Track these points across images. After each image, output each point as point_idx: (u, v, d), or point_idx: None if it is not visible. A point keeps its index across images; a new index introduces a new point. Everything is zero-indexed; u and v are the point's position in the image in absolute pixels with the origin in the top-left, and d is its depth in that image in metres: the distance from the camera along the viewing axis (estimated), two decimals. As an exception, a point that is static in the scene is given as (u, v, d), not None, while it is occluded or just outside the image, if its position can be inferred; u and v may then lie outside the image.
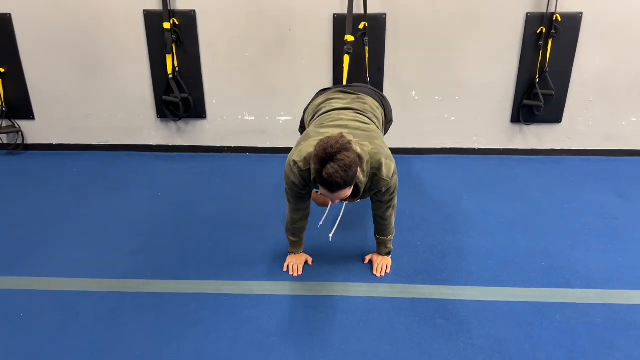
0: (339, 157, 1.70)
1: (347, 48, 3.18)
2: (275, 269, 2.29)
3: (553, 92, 3.36)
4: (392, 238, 2.29)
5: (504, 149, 3.60)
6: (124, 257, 2.39)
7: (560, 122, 3.50)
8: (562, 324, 1.95)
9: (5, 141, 3.67)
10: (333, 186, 1.74)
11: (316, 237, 2.49)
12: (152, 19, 3.32)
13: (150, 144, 3.70)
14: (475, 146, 3.60)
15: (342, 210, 2.39)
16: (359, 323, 1.96)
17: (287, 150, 3.53)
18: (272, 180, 3.21)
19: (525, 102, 3.41)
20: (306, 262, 2.33)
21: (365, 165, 1.92)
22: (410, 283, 2.20)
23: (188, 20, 3.33)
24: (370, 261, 2.32)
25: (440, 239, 2.53)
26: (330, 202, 2.38)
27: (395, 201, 2.15)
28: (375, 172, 1.96)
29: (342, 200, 1.94)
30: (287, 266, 2.29)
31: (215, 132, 3.65)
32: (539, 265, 2.33)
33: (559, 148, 3.59)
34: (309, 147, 1.95)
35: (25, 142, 3.70)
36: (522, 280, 2.22)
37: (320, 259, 2.36)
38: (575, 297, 2.11)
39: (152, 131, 3.66)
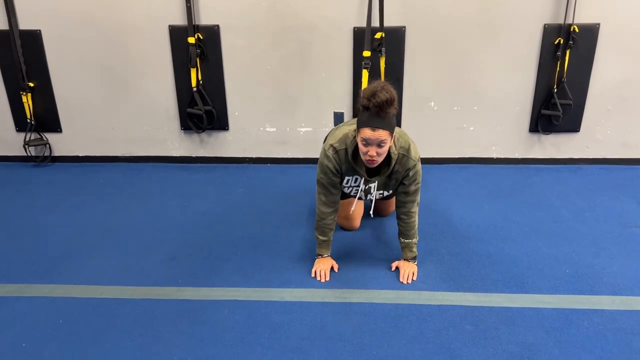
0: (385, 87, 1.94)
1: (365, 63, 3.28)
2: (303, 276, 2.34)
3: (571, 102, 3.40)
4: (417, 242, 2.35)
5: (522, 158, 3.64)
6: (156, 265, 2.45)
7: (579, 131, 3.54)
8: (590, 330, 1.98)
9: (33, 153, 3.77)
10: (381, 105, 1.91)
11: (343, 246, 2.56)
12: (177, 34, 3.42)
13: (174, 155, 3.78)
14: (494, 155, 3.64)
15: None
16: (388, 329, 2.00)
17: (308, 160, 3.68)
18: (294, 190, 3.28)
19: (544, 111, 3.45)
20: (332, 268, 2.38)
21: (395, 140, 2.14)
22: (436, 290, 2.24)
23: (212, 34, 3.42)
24: (397, 268, 2.37)
25: (464, 247, 2.57)
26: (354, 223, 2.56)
27: (419, 196, 2.27)
28: (404, 153, 2.17)
29: (379, 154, 2.02)
30: (315, 272, 2.34)
31: (237, 144, 3.72)
32: (563, 272, 2.36)
33: (577, 157, 3.62)
34: (342, 131, 2.21)
35: (52, 154, 3.80)
36: (548, 287, 2.25)
37: (348, 267, 2.41)
38: (601, 303, 2.14)
39: (176, 143, 3.74)
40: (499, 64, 3.40)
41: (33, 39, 3.49)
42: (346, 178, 2.27)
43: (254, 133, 3.68)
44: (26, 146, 3.67)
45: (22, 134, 3.69)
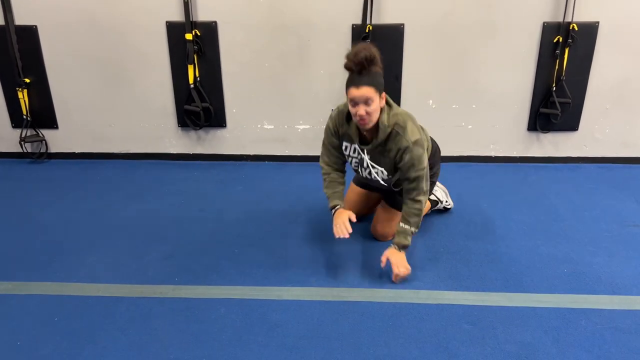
0: (367, 47, 2.03)
1: None
2: (301, 275, 2.33)
3: (570, 100, 3.39)
4: (414, 232, 2.27)
5: (520, 157, 3.64)
6: (153, 263, 2.44)
7: (577, 129, 3.53)
8: (588, 329, 1.97)
9: (29, 150, 3.75)
10: (361, 62, 2.00)
11: (342, 245, 2.55)
12: (174, 30, 3.40)
13: (171, 152, 3.76)
14: (493, 154, 3.63)
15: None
16: (386, 328, 1.99)
17: (306, 158, 3.67)
18: (292, 188, 3.27)
19: (542, 110, 3.45)
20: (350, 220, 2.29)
21: (390, 112, 2.17)
22: (434, 289, 2.23)
23: (209, 31, 3.40)
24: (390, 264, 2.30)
25: (463, 245, 2.57)
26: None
27: (424, 186, 2.23)
28: (399, 131, 2.17)
29: (368, 113, 2.07)
30: (335, 229, 2.26)
31: (235, 141, 3.71)
32: (561, 271, 2.35)
33: (575, 155, 3.62)
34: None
35: (48, 151, 3.78)
36: (546, 286, 2.24)
37: (346, 265, 2.40)
38: (599, 303, 2.13)
39: (173, 140, 3.73)
40: (497, 62, 3.39)
41: (29, 34, 3.46)
42: (344, 144, 2.33)
43: (251, 130, 3.67)
44: (22, 143, 3.65)
45: (18, 130, 3.67)
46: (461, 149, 3.63)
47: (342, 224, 2.27)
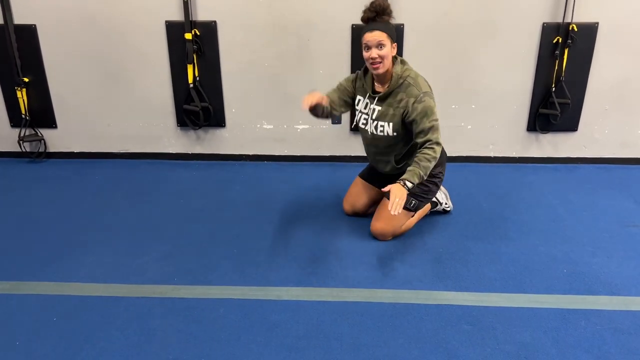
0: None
1: None
2: (301, 275, 2.32)
3: (569, 101, 3.40)
4: (422, 176, 2.29)
5: (519, 157, 3.64)
6: (152, 263, 2.43)
7: (576, 130, 3.53)
8: (587, 330, 1.97)
9: (28, 149, 3.74)
10: (377, 9, 2.23)
11: (341, 244, 2.55)
12: (173, 30, 3.39)
13: (170, 152, 3.76)
14: (492, 154, 3.64)
15: None
16: (386, 328, 1.99)
17: (305, 158, 3.67)
18: (291, 188, 3.27)
19: (542, 110, 3.45)
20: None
21: (403, 66, 2.37)
22: (434, 289, 2.23)
23: (209, 30, 3.39)
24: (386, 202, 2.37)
25: (462, 246, 2.57)
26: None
27: (438, 136, 2.35)
28: (410, 82, 2.35)
29: (380, 56, 2.28)
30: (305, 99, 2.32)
31: (234, 141, 3.70)
32: (560, 271, 2.35)
33: (574, 156, 3.62)
34: None
35: (47, 150, 3.77)
36: (545, 286, 2.24)
37: (346, 266, 2.40)
38: (598, 303, 2.13)
39: (172, 139, 3.72)
40: (497, 62, 3.39)
41: (28, 33, 3.45)
42: (358, 97, 2.54)
43: (250, 130, 3.66)
44: (21, 142, 3.64)
45: (17, 130, 3.66)
46: (460, 149, 3.63)
47: (311, 96, 2.32)
